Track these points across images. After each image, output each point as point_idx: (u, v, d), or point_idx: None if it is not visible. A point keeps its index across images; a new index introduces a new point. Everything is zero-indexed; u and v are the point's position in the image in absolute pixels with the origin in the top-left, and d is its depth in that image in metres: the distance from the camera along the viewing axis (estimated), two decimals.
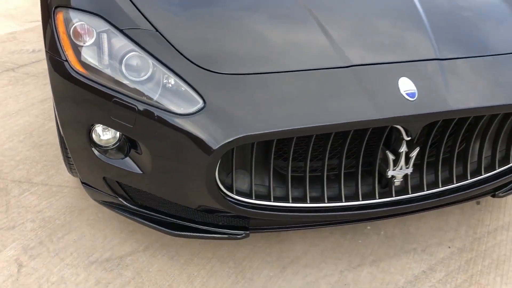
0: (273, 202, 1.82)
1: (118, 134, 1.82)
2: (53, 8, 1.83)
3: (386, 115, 1.68)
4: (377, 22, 1.94)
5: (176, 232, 1.91)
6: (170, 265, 2.03)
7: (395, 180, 1.86)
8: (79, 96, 1.76)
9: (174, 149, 1.69)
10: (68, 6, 1.79)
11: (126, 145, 1.83)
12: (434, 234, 2.24)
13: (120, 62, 1.70)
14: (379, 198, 1.90)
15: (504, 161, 2.06)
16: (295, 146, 1.82)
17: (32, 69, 3.73)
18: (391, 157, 1.81)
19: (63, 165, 2.52)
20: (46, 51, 1.85)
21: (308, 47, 1.79)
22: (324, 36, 1.82)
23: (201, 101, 1.65)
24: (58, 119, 1.94)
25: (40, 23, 3.45)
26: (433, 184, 1.97)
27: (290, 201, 1.83)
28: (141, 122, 1.67)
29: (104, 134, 1.83)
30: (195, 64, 1.69)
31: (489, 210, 2.39)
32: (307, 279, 1.99)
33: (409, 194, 1.92)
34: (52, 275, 1.97)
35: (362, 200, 1.88)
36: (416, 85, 1.74)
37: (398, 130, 1.76)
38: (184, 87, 1.67)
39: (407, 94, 1.72)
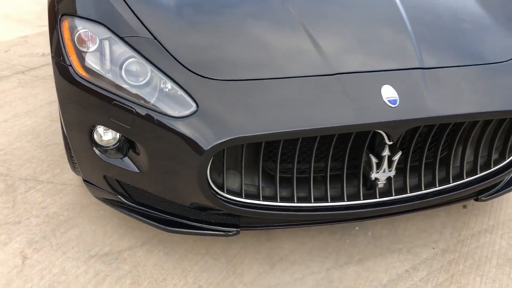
0: (262, 201, 1.92)
1: (118, 135, 1.92)
2: (60, 16, 1.94)
3: (368, 120, 1.77)
4: (364, 32, 2.04)
5: (171, 228, 2.01)
6: (165, 260, 2.14)
7: (378, 182, 1.96)
8: (82, 99, 1.87)
9: (169, 150, 1.79)
10: (73, 14, 1.91)
11: (125, 146, 1.93)
12: (420, 235, 2.32)
13: (121, 68, 1.81)
14: (363, 199, 1.99)
15: (486, 166, 2.14)
16: (284, 148, 1.92)
17: (41, 72, 3.85)
18: (374, 160, 1.90)
19: (67, 164, 2.64)
20: (52, 56, 1.96)
21: (296, 55, 1.89)
22: (312, 44, 1.91)
23: (194, 105, 1.75)
24: (62, 120, 2.05)
25: None
26: (417, 187, 2.05)
27: (278, 201, 1.93)
28: (139, 124, 1.78)
29: (105, 135, 1.92)
30: (189, 70, 1.80)
31: (474, 213, 2.47)
32: (295, 276, 2.09)
33: (392, 196, 2.01)
34: (54, 267, 2.08)
35: (347, 201, 1.98)
36: (398, 93, 1.83)
37: (381, 135, 1.86)
38: (179, 91, 1.77)
39: (389, 101, 1.82)
